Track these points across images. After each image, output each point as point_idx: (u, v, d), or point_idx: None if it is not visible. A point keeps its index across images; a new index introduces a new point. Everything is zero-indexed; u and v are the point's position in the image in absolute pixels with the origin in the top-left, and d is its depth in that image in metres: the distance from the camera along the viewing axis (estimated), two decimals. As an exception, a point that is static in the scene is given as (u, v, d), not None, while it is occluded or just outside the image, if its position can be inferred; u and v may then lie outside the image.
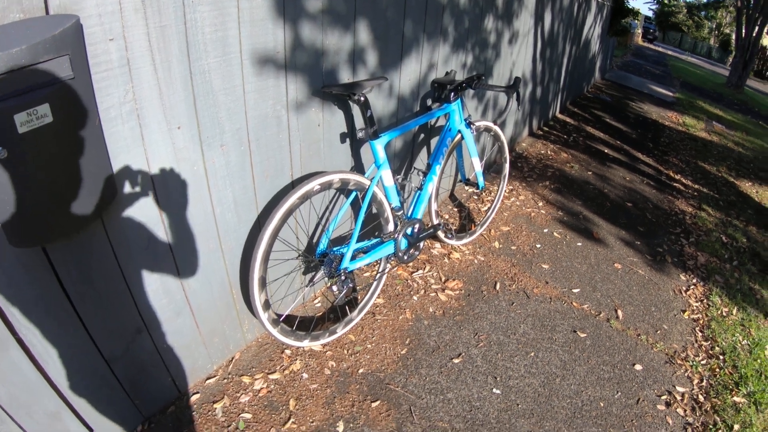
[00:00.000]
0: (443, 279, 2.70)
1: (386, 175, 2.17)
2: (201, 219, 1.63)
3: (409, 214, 2.45)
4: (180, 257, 1.61)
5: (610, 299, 2.83)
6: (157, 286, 1.56)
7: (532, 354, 2.35)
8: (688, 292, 3.06)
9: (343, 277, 2.02)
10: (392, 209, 2.26)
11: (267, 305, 1.83)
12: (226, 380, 1.92)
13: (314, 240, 2.25)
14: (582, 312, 2.68)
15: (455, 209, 3.41)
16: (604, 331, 2.58)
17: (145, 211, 1.44)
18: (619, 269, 3.13)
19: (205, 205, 1.63)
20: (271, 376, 1.96)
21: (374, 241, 2.28)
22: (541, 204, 3.72)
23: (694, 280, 3.20)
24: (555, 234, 3.36)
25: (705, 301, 3.02)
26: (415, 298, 2.53)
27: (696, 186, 4.75)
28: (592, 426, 2.09)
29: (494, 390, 2.14)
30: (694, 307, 2.94)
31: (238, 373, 1.96)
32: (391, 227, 2.29)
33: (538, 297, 2.72)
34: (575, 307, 2.71)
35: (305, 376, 2.00)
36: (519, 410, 2.08)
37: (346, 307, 2.24)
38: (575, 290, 2.84)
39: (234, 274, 1.87)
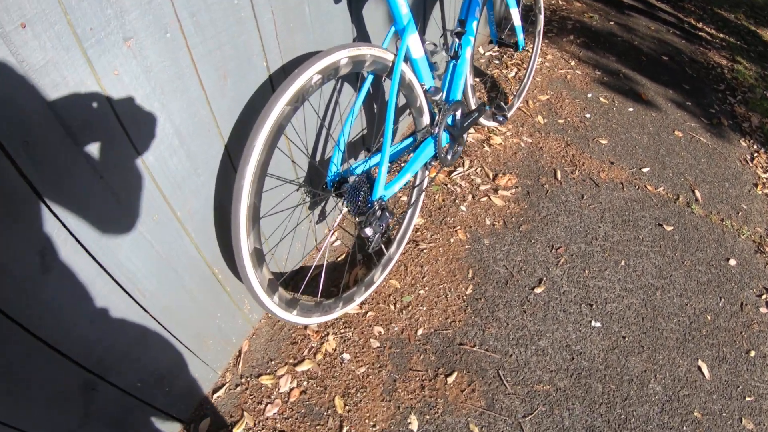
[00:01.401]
0: (491, 176, 1.90)
1: (414, 42, 1.24)
2: (123, 179, 0.72)
3: (447, 97, 1.54)
4: (107, 257, 0.74)
5: (683, 177, 2.16)
6: (91, 314, 0.77)
7: (623, 263, 1.70)
8: (753, 162, 2.43)
9: (378, 212, 1.18)
10: (426, 92, 1.36)
11: (273, 286, 1.00)
12: (239, 387, 1.16)
13: (318, 160, 1.34)
14: (660, 198, 2.01)
15: (476, 79, 2.48)
16: (689, 220, 1.95)
17: (15, 204, 0.58)
18: (681, 138, 2.42)
19: (125, 154, 0.71)
20: (299, 368, 1.21)
21: (404, 144, 1.40)
22: (573, 63, 2.82)
23: (755, 146, 2.56)
24: (601, 99, 2.54)
25: (772, 170, 2.42)
26: (463, 208, 1.74)
27: (721, 35, 3.91)
28: (705, 348, 1.54)
29: (593, 323, 1.51)
30: (764, 180, 2.34)
31: (254, 373, 1.19)
32: (426, 119, 1.40)
33: (607, 184, 2.00)
34: (651, 192, 2.03)
35: (346, 357, 1.27)
36: (626, 345, 1.48)
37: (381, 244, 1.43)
38: (645, 170, 2.13)
39: (208, 246, 1.00)
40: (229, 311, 1.13)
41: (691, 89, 2.90)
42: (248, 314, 1.22)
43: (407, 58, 1.26)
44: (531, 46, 2.37)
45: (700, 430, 1.39)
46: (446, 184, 1.82)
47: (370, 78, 1.21)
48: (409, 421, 1.19)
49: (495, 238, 1.65)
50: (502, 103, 2.12)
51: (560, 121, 2.30)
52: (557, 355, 1.41)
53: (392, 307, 1.39)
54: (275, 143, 0.91)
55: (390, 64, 1.17)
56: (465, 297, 1.46)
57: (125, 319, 0.82)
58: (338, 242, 1.54)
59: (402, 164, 1.36)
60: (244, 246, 0.89)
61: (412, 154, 1.38)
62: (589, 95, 2.55)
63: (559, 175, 1.97)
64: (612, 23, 3.52)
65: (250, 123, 0.92)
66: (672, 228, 1.89)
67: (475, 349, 1.35)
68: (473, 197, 1.78)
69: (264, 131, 0.87)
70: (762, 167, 2.42)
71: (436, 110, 1.41)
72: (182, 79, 0.79)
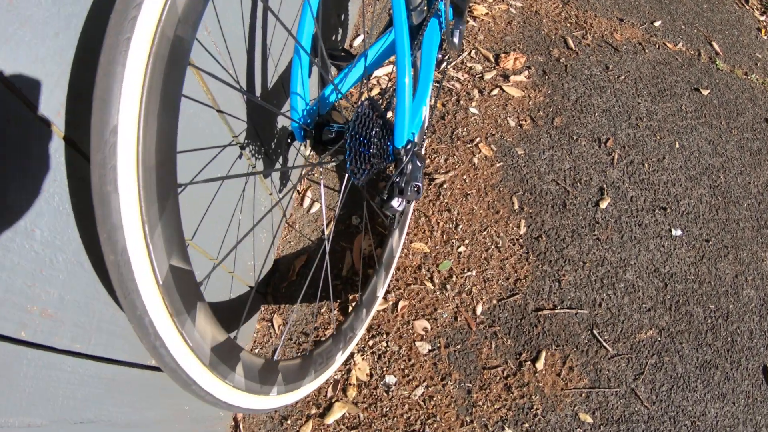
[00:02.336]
0: (492, 58, 1.38)
1: None
2: None
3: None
4: None
5: (695, 28, 1.79)
6: None
7: (677, 144, 1.34)
8: (749, 4, 2.13)
9: (409, 165, 0.65)
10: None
11: (269, 373, 0.46)
12: None
13: (261, 94, 0.73)
14: (684, 56, 1.64)
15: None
16: (718, 79, 1.62)
17: None
18: (673, -21, 2.02)
19: None
20: (330, 419, 0.73)
21: (391, 38, 0.83)
22: None
23: (739, -19, 2.25)
24: (579, -56, 2.03)
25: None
26: (473, 110, 1.23)
27: None
28: (778, 230, 1.29)
29: (673, 231, 1.15)
30: (764, 23, 2.06)
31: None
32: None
33: (626, 47, 1.58)
34: (672, 50, 1.64)
35: (391, 380, 0.79)
36: (712, 250, 1.17)
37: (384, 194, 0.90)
38: (656, 23, 1.73)
39: (120, 342, 0.41)
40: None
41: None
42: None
43: None
44: None
45: (795, 327, 1.15)
46: (437, 83, 1.27)
47: None
48: (505, 445, 0.78)
49: (529, 144, 1.18)
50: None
51: (545, -25, 1.77)
52: (649, 286, 1.04)
53: (429, 284, 0.91)
54: (175, 90, 0.33)
55: None
56: (521, 240, 1.01)
57: None
58: (315, 207, 0.97)
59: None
60: (182, 360, 0.34)
61: (426, 52, 0.82)
62: (565, -60, 2.02)
63: (571, 43, 1.49)
64: None
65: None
66: (708, 92, 1.54)
67: (556, 311, 0.94)
68: (480, 92, 1.27)
69: (132, 73, 0.28)
70: (758, 9, 2.12)
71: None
72: None
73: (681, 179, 1.26)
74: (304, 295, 0.84)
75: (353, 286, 0.85)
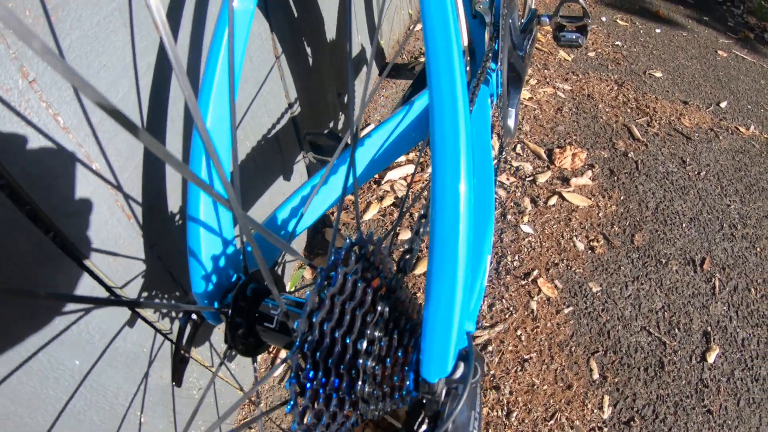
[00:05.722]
0: (545, 154, 1.08)
1: None
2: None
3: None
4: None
5: (761, 108, 1.47)
6: None
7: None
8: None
9: (455, 406, 0.31)
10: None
11: None
12: None
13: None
14: (759, 141, 1.31)
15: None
16: (804, 167, 1.27)
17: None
18: (727, 58, 1.72)
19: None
20: None
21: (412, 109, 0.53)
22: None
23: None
24: (619, 22, 1.77)
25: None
26: (526, 228, 0.91)
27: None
28: None
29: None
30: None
31: None
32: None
33: (698, 134, 1.26)
34: (746, 135, 1.32)
35: None
36: None
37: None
38: (722, 104, 1.42)
39: None
40: None
41: (696, 2, 2.20)
42: None
43: None
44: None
45: None
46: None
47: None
48: None
49: (606, 276, 0.85)
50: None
51: (590, 54, 1.50)
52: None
53: None
54: None
55: None
56: (605, 429, 0.66)
57: None
58: None
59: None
60: None
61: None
62: (603, 18, 1.77)
63: (637, 133, 1.18)
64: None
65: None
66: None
67: None
68: (534, 202, 0.96)
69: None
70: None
71: (486, 17, 0.60)
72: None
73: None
74: None
75: None
